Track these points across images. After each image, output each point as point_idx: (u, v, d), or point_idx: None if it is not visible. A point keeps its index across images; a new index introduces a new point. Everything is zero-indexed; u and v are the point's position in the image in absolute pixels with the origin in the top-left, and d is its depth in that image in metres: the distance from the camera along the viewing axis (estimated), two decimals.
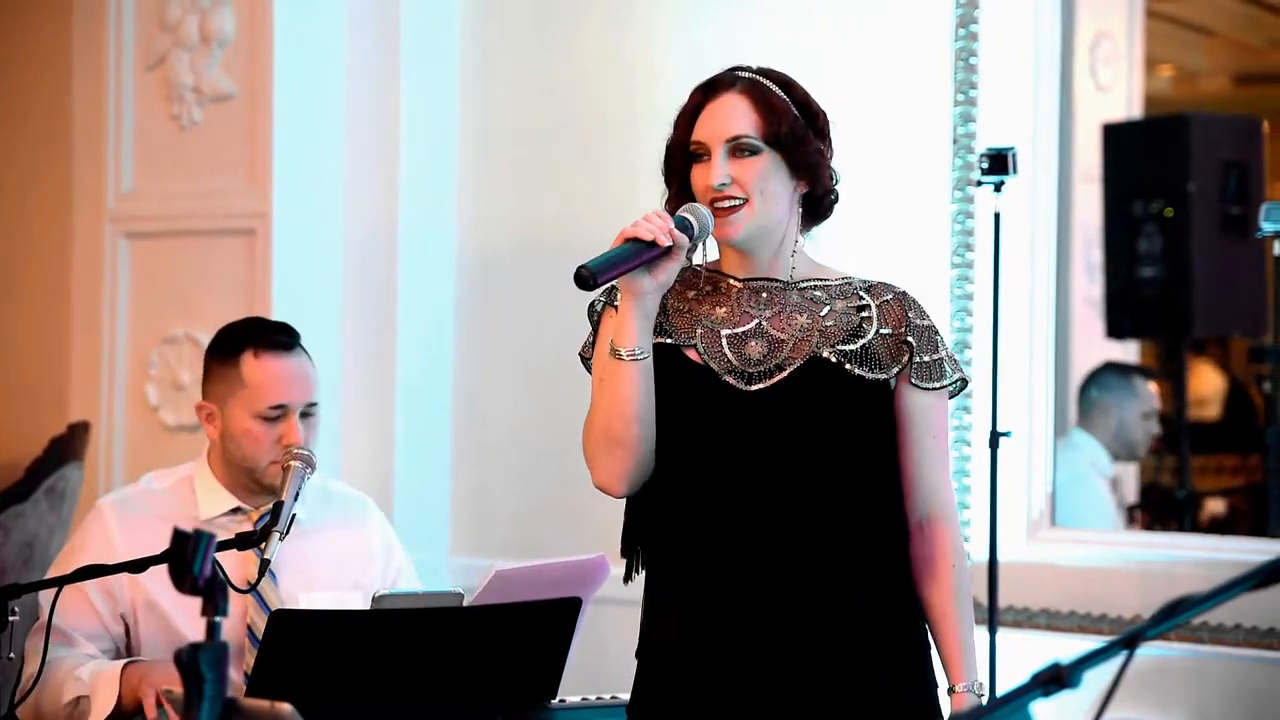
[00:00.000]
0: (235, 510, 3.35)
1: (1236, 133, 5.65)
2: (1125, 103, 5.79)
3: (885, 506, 2.77)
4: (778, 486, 2.70)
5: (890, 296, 2.80)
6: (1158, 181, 5.52)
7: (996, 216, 3.92)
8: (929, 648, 2.81)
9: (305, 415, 3.33)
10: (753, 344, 2.76)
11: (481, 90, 4.95)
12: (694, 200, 2.76)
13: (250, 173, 4.80)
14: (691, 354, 2.78)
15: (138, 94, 5.00)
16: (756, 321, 2.78)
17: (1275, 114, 6.00)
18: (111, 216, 5.04)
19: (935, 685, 2.82)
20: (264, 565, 2.97)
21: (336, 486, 3.58)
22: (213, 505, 3.33)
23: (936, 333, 2.81)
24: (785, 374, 2.74)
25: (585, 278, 2.62)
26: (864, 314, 2.78)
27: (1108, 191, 5.55)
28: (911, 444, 2.79)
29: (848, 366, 2.74)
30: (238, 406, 3.31)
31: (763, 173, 2.73)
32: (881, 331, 2.77)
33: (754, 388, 2.74)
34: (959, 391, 2.84)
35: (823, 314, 2.78)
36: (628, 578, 2.84)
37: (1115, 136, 5.60)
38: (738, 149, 2.73)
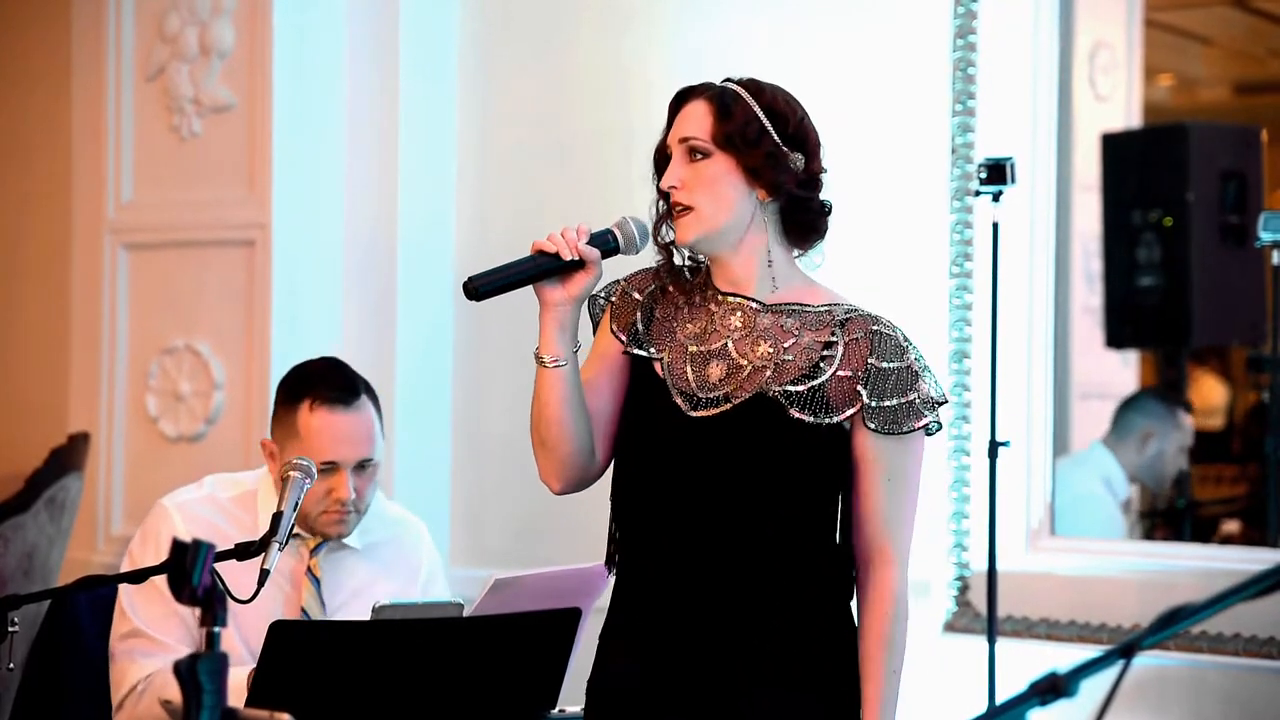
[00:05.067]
0: (293, 535, 3.35)
1: (1235, 142, 5.65)
2: (1124, 112, 5.79)
3: (813, 543, 2.74)
4: (704, 511, 2.71)
5: (861, 335, 2.75)
6: (1156, 191, 5.51)
7: (995, 226, 3.92)
8: (854, 676, 2.76)
9: (361, 468, 3.33)
10: (714, 365, 2.77)
11: (480, 100, 4.96)
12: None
13: (250, 183, 4.80)
14: (657, 368, 2.81)
15: (137, 105, 5.01)
16: (724, 342, 2.78)
17: (1274, 123, 5.99)
18: (111, 227, 5.05)
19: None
20: (263, 575, 2.97)
21: (393, 509, 3.58)
22: None
23: (911, 374, 2.73)
24: (729, 406, 2.73)
25: (470, 290, 2.73)
26: (828, 352, 2.74)
27: (1106, 201, 5.55)
28: (864, 486, 2.74)
29: (791, 410, 2.71)
30: (292, 455, 3.29)
31: (711, 176, 2.74)
32: (840, 374, 2.73)
33: (697, 414, 2.75)
34: (934, 433, 2.78)
35: (787, 345, 2.75)
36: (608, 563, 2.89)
37: (1114, 146, 5.60)
38: (690, 151, 2.76)
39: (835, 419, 2.72)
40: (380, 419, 3.38)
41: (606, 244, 2.77)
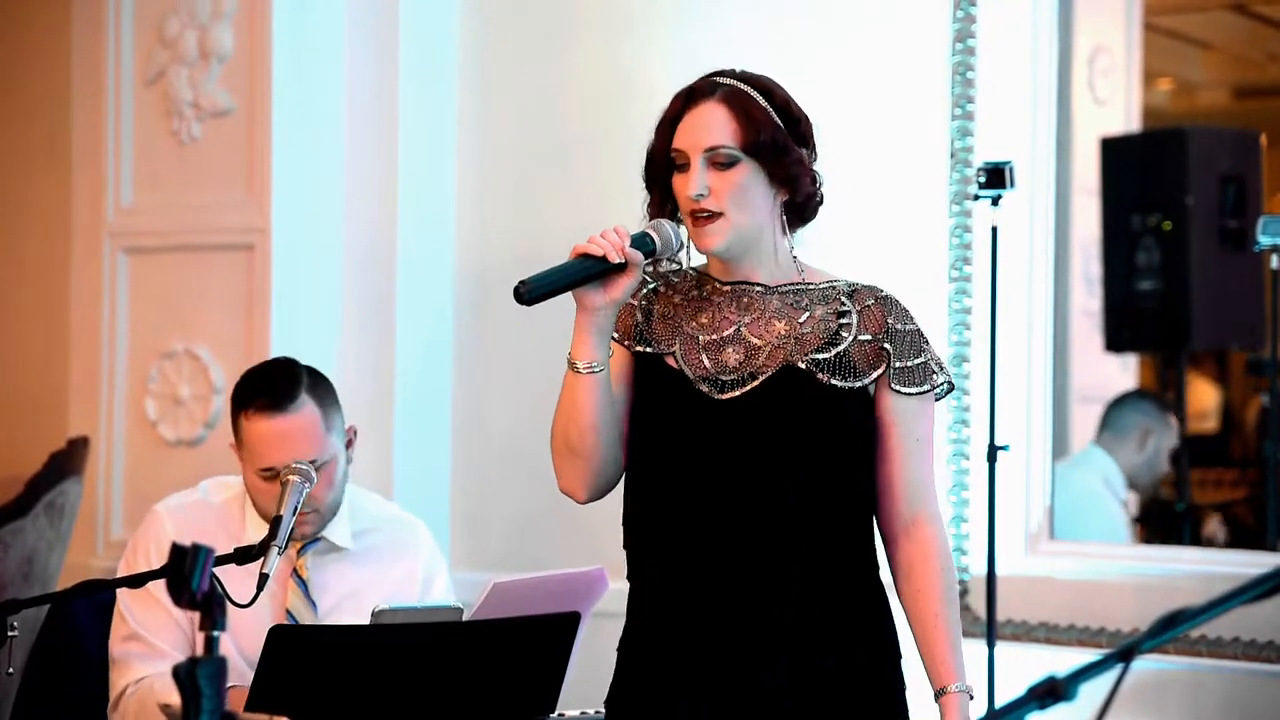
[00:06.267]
0: None
1: (1234, 146, 5.65)
2: (1123, 116, 5.80)
3: (853, 512, 2.78)
4: (745, 492, 2.72)
5: (872, 301, 2.81)
6: (1156, 195, 5.52)
7: (994, 230, 3.92)
8: (895, 645, 2.82)
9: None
10: (730, 350, 2.78)
11: (480, 103, 4.96)
12: (676, 207, 2.79)
13: (249, 187, 4.80)
14: (670, 361, 2.81)
15: (137, 109, 5.01)
16: (735, 327, 2.80)
17: (1273, 127, 5.99)
18: (111, 231, 5.04)
19: (901, 683, 2.83)
20: (262, 580, 2.98)
21: (390, 509, 3.57)
22: (258, 529, 3.30)
23: (921, 336, 2.82)
24: (757, 382, 2.75)
25: (521, 294, 2.65)
26: (844, 320, 2.79)
27: (1106, 205, 5.55)
28: (895, 448, 2.79)
29: (820, 376, 2.75)
30: (243, 462, 3.34)
31: (740, 184, 2.74)
32: (860, 338, 2.78)
33: (725, 396, 2.76)
34: (945, 395, 2.84)
35: (801, 320, 2.79)
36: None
37: (1113, 150, 5.60)
38: (716, 160, 2.73)
39: (862, 382, 2.77)
40: (331, 414, 3.34)
41: (645, 246, 2.75)
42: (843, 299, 2.81)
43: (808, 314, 2.80)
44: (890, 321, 2.79)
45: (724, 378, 2.77)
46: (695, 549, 2.75)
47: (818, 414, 2.74)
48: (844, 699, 2.76)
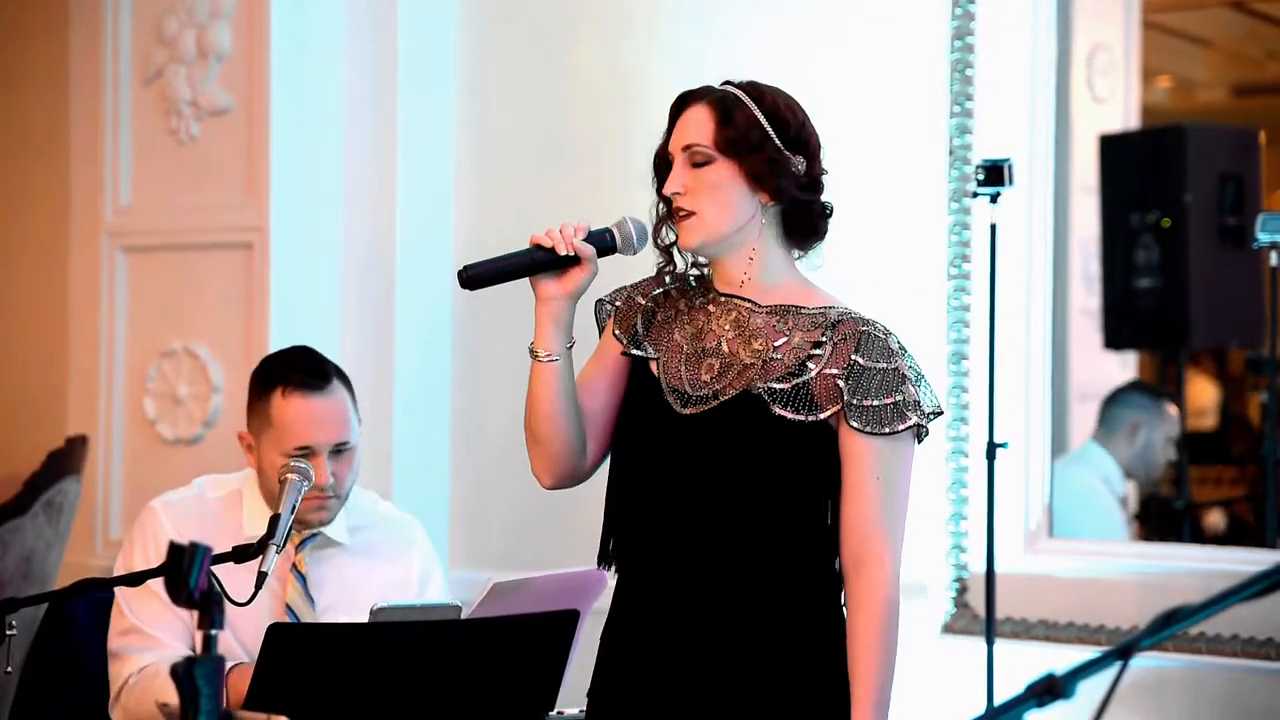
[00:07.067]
0: None
1: (1233, 144, 5.66)
2: (1122, 114, 5.80)
3: (795, 523, 2.75)
4: (693, 503, 2.74)
5: (850, 334, 2.76)
6: (1155, 192, 5.52)
7: (993, 228, 3.92)
8: (840, 669, 2.78)
9: (338, 452, 3.33)
10: (707, 364, 2.80)
11: (479, 102, 4.96)
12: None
13: (248, 186, 4.80)
14: (653, 367, 2.84)
15: (135, 108, 5.01)
16: (719, 341, 2.81)
17: (1272, 125, 5.99)
18: (109, 230, 5.04)
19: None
20: (261, 578, 2.98)
21: (386, 508, 3.57)
22: (257, 524, 3.30)
23: (898, 375, 2.74)
24: (718, 403, 2.76)
25: (463, 277, 2.74)
26: (816, 351, 2.76)
27: (1105, 203, 5.55)
28: (854, 485, 2.74)
29: (774, 407, 2.73)
30: (268, 444, 3.31)
31: (713, 182, 2.75)
32: (826, 371, 2.74)
33: (687, 411, 2.78)
34: (924, 438, 2.79)
35: (777, 344, 2.77)
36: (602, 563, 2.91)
37: (1112, 147, 5.60)
38: (692, 158, 2.77)
39: (819, 416, 2.74)
40: (354, 403, 3.39)
41: (603, 242, 2.79)
42: (825, 329, 2.78)
43: (785, 339, 2.78)
44: (855, 358, 2.74)
45: (691, 392, 2.78)
46: (665, 556, 2.77)
47: (761, 444, 2.73)
48: (815, 714, 2.77)
